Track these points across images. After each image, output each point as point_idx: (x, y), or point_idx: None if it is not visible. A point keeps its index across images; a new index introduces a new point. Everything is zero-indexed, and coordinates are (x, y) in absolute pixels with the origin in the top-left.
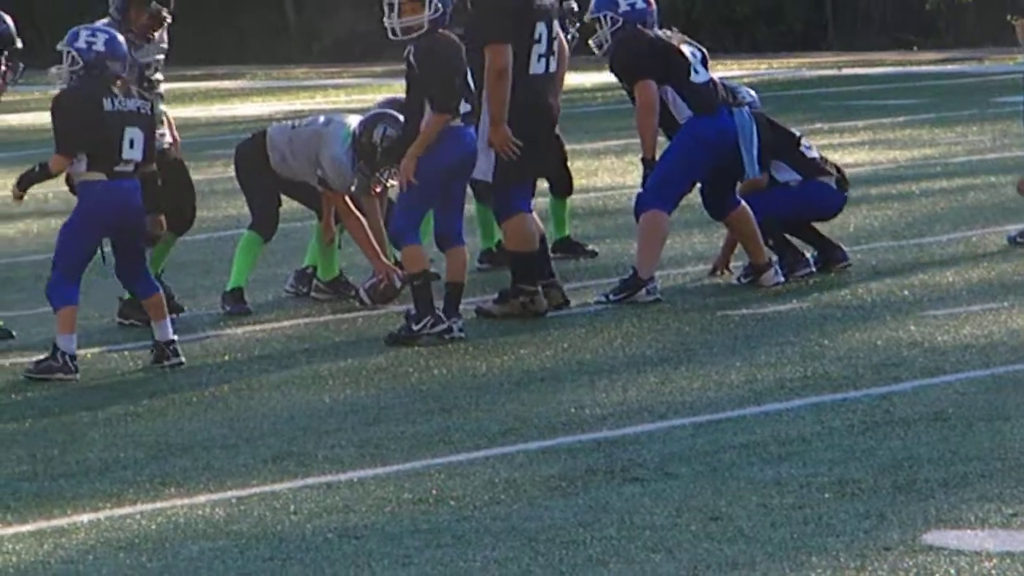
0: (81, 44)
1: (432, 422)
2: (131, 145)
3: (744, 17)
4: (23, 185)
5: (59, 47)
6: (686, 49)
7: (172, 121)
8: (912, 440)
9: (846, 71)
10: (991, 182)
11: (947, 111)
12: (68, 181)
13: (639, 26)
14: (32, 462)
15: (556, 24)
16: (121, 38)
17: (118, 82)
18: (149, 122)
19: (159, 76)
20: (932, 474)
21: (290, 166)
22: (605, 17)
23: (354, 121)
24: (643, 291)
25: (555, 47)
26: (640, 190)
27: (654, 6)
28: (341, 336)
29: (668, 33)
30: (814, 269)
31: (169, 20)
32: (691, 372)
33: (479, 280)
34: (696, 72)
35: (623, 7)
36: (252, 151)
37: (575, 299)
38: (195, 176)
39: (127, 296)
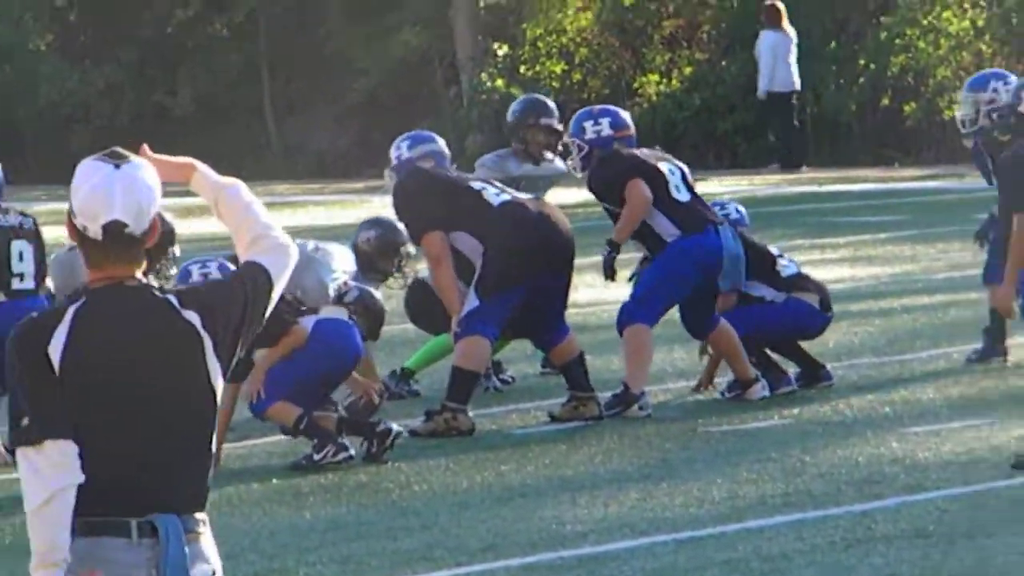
0: None
1: (413, 539)
2: (20, 258)
3: (725, 133)
4: None
5: None
6: (664, 166)
7: None
8: (893, 557)
9: (827, 187)
10: (972, 298)
11: (928, 227)
12: None
13: (614, 146)
14: None
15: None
16: None
17: None
18: (35, 236)
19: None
20: None
21: None
22: (572, 143)
23: (339, 255)
24: (635, 407)
25: (520, 185)
26: (624, 302)
27: (632, 131)
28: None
29: (647, 152)
30: (796, 387)
31: None
32: (672, 488)
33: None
34: (677, 190)
35: (589, 134)
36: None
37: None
38: None
39: None
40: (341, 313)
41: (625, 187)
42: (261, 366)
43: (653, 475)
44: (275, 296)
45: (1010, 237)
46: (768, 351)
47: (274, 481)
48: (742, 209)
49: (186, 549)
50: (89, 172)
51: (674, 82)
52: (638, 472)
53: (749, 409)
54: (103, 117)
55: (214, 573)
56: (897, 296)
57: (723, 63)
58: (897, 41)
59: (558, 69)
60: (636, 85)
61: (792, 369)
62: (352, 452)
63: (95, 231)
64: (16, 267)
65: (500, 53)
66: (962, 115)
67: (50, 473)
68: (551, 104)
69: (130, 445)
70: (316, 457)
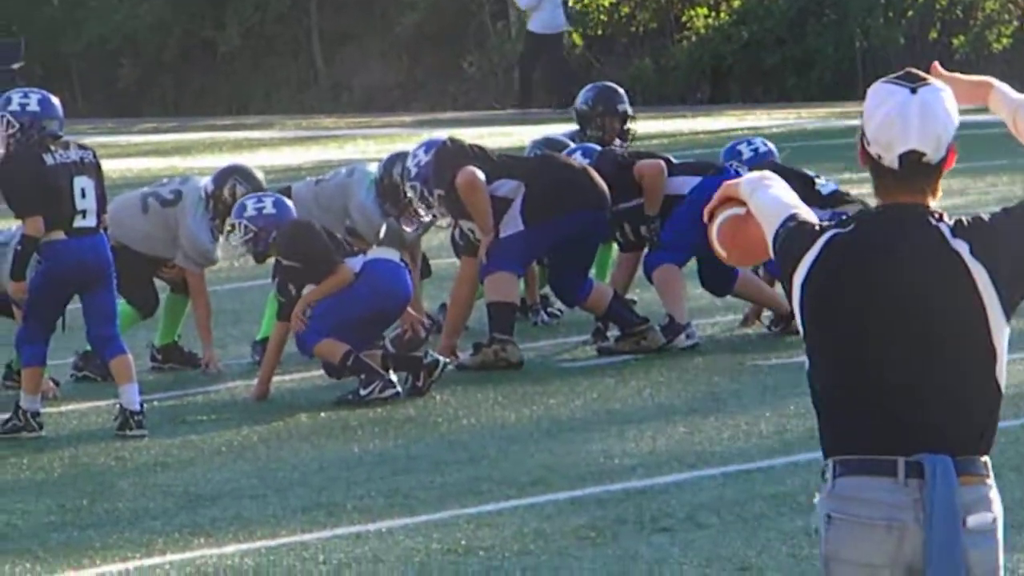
0: (15, 107)
1: (461, 472)
2: (83, 195)
3: (773, 67)
4: (19, 274)
5: None
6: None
7: None
8: None
9: None
10: None
11: (977, 161)
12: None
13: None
14: (61, 512)
15: None
16: (55, 100)
17: (57, 142)
18: (96, 170)
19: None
20: None
21: (317, 220)
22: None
23: (375, 169)
24: (683, 336)
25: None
26: (647, 253)
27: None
28: None
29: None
30: None
31: None
32: (720, 422)
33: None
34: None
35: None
36: None
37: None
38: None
39: (87, 348)
40: (392, 254)
41: (633, 171)
42: (303, 303)
43: (701, 409)
44: None
45: None
46: None
47: (322, 415)
48: (769, 144)
49: (957, 493)
50: (883, 97)
51: (723, 15)
52: (686, 406)
53: (797, 343)
54: (150, 51)
55: (994, 520)
56: None
57: None
58: None
59: (606, 2)
60: (684, 18)
61: None
62: (399, 389)
63: (890, 160)
64: (80, 204)
65: None
66: None
67: None
68: (621, 90)
69: (896, 377)
70: (363, 393)
